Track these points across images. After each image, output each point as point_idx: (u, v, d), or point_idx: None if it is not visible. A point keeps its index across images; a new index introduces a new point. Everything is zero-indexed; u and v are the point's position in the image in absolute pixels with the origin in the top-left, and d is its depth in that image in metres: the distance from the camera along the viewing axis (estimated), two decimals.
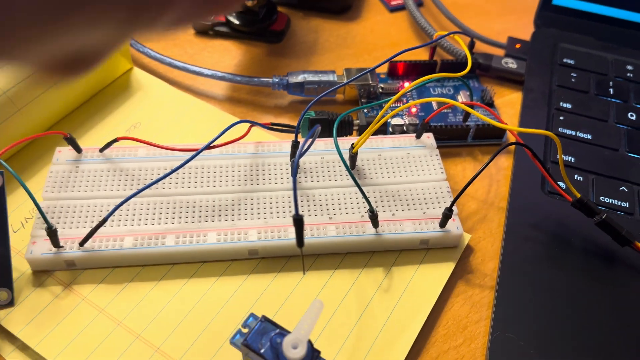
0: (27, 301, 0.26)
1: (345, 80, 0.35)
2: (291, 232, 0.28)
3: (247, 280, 0.28)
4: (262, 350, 0.22)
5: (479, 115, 0.28)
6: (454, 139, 0.35)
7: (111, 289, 0.27)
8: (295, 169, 0.24)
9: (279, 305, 0.27)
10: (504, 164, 0.35)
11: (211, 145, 0.29)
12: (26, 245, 0.27)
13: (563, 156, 0.33)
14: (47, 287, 0.27)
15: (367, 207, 0.28)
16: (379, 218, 0.28)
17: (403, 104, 0.36)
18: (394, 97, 0.29)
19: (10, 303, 0.26)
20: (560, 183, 0.30)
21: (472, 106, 0.32)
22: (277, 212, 0.29)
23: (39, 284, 0.27)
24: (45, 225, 0.26)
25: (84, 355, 0.24)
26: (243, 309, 0.26)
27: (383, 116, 0.30)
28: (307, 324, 0.22)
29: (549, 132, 0.27)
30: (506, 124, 0.29)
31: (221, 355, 0.25)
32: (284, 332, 0.22)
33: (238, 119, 0.32)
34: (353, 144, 0.30)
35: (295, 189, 0.23)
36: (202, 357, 0.25)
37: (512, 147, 0.35)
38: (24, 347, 0.25)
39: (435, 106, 0.36)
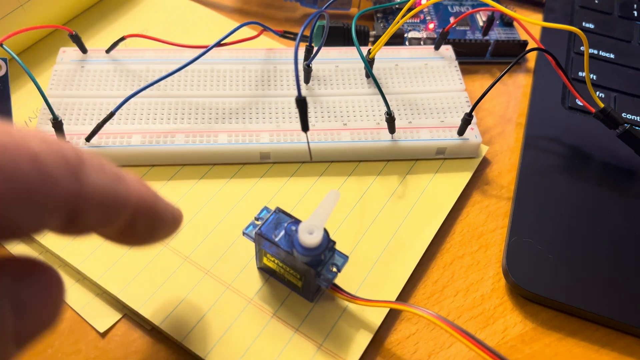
0: None
1: None
2: (304, 137, 0.27)
3: (258, 183, 0.27)
4: (276, 239, 0.21)
5: (503, 9, 0.27)
6: (472, 54, 0.33)
7: None
8: (296, 52, 0.23)
9: (290, 208, 0.26)
10: (523, 81, 0.33)
11: (221, 43, 0.27)
12: None
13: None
14: None
15: (383, 113, 0.27)
16: (396, 125, 0.27)
17: (420, 20, 0.35)
18: (412, 12, 0.28)
19: None
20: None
21: (493, 15, 0.31)
22: (290, 118, 0.28)
23: None
24: (51, 116, 0.25)
25: (91, 249, 0.24)
26: (254, 209, 0.26)
27: (399, 21, 0.29)
28: (323, 212, 0.21)
29: (574, 27, 0.25)
30: (527, 31, 0.28)
31: (232, 251, 0.24)
32: (299, 221, 0.22)
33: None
34: (370, 49, 0.29)
35: (297, 71, 0.22)
36: (213, 253, 0.24)
37: (532, 64, 0.34)
38: (30, 241, 0.24)
39: (453, 19, 0.34)
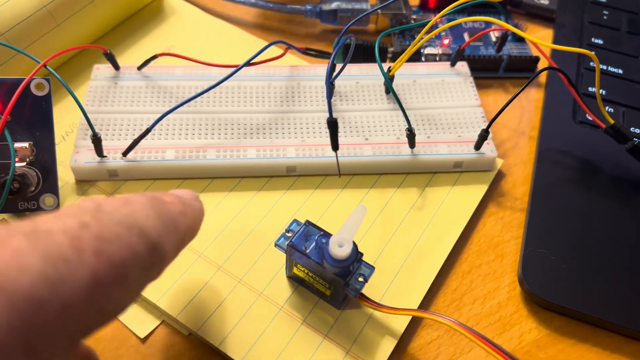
0: None
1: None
2: (328, 151, 0.28)
3: (285, 195, 0.28)
4: (307, 251, 0.23)
5: (516, 30, 0.28)
6: (486, 69, 0.35)
7: None
8: (328, 73, 0.24)
9: (316, 219, 0.27)
10: (535, 96, 0.35)
11: (249, 63, 0.29)
12: (69, 156, 0.28)
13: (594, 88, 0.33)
14: (90, 195, 0.27)
15: (404, 129, 0.28)
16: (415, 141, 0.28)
17: (436, 36, 0.36)
18: (428, 25, 0.29)
19: (57, 209, 0.27)
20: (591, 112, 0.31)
21: (506, 32, 0.32)
22: (314, 132, 0.29)
23: (82, 192, 0.28)
24: (91, 132, 0.26)
25: None
26: (282, 220, 0.27)
27: (419, 41, 0.30)
28: (352, 225, 0.22)
29: (584, 50, 0.27)
30: (540, 49, 0.30)
31: (262, 260, 0.26)
32: (328, 234, 0.23)
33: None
34: (390, 67, 0.30)
35: (329, 94, 0.23)
36: (244, 263, 0.26)
37: (544, 79, 0.35)
38: None
39: (467, 37, 0.36)
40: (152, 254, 0.16)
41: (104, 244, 0.14)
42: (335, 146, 0.24)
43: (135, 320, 0.24)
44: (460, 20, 0.30)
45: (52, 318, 0.12)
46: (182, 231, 0.18)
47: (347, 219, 0.22)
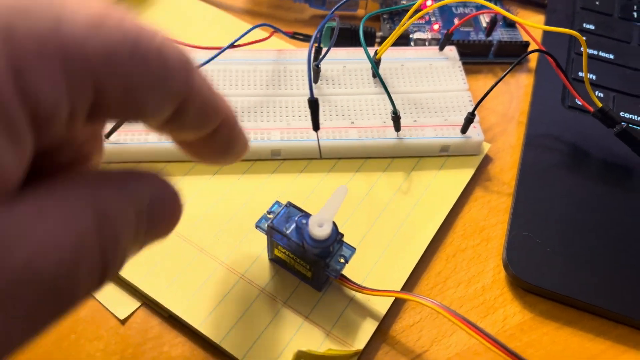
0: None
1: None
2: (313, 135, 0.28)
3: (269, 179, 0.28)
4: (287, 232, 0.22)
5: (505, 12, 0.28)
6: (476, 54, 0.34)
7: None
8: (310, 52, 0.24)
9: (300, 203, 0.27)
10: (525, 81, 0.34)
11: (233, 45, 0.29)
12: None
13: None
14: None
15: (389, 112, 0.28)
16: (401, 124, 0.28)
17: (425, 21, 0.36)
18: (418, 14, 0.29)
19: None
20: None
21: (496, 16, 0.32)
22: (299, 116, 0.29)
23: None
24: None
25: None
26: (265, 204, 0.26)
27: (406, 22, 0.30)
28: (332, 206, 0.22)
29: (573, 31, 0.27)
30: (528, 32, 0.29)
31: (245, 243, 0.25)
32: (309, 215, 0.23)
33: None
34: (376, 50, 0.30)
35: (310, 74, 0.23)
36: (226, 245, 0.25)
37: (534, 65, 0.35)
38: None
39: (457, 21, 0.36)
40: None
41: None
42: (316, 126, 0.23)
43: (115, 301, 0.24)
44: (449, 0, 0.30)
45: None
46: None
47: (328, 199, 0.22)
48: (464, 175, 0.29)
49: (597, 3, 0.38)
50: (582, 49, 0.33)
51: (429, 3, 0.37)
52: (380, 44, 0.34)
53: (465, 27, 0.36)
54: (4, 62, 0.10)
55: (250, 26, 0.35)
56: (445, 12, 0.37)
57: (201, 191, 0.27)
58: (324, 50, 0.29)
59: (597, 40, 0.35)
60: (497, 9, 0.29)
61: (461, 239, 0.27)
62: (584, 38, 0.27)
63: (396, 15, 0.36)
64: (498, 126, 0.32)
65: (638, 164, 0.29)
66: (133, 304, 0.24)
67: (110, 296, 0.24)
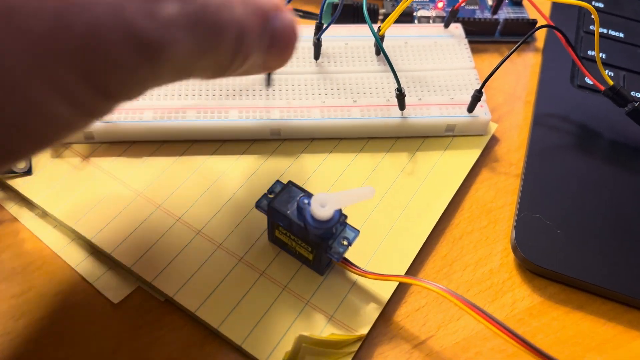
0: (45, 171, 0.26)
1: None
2: (314, 113, 0.27)
3: (268, 159, 0.27)
4: (288, 212, 0.22)
5: None
6: (482, 33, 0.33)
7: (130, 162, 0.26)
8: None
9: (301, 184, 0.26)
10: (532, 61, 0.33)
11: None
12: None
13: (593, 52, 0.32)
14: (65, 158, 0.26)
15: (393, 90, 0.27)
16: (405, 103, 0.27)
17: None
18: None
19: (28, 172, 0.25)
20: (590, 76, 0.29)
21: None
22: (300, 94, 0.28)
23: (56, 155, 0.26)
24: None
25: (104, 221, 0.24)
26: (265, 185, 0.26)
27: None
28: (347, 197, 0.21)
29: (584, 2, 0.25)
30: (536, 7, 0.28)
31: (244, 225, 0.24)
32: (310, 195, 0.22)
33: None
34: (379, 27, 0.29)
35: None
36: (225, 227, 0.24)
37: (541, 44, 0.34)
38: (43, 215, 0.25)
39: None
40: None
41: None
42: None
43: (109, 285, 0.23)
44: None
45: None
46: None
47: (349, 190, 0.21)
48: (471, 156, 0.28)
49: None
50: (592, 27, 0.32)
51: None
52: (383, 21, 0.33)
53: (470, 4, 0.35)
54: None
55: None
56: None
57: (197, 172, 0.26)
58: (325, 25, 0.28)
59: (607, 19, 0.34)
60: None
61: (468, 221, 0.26)
62: (593, 7, 0.26)
63: None
64: (505, 106, 0.31)
65: None
66: (127, 287, 0.23)
67: (103, 280, 0.23)
